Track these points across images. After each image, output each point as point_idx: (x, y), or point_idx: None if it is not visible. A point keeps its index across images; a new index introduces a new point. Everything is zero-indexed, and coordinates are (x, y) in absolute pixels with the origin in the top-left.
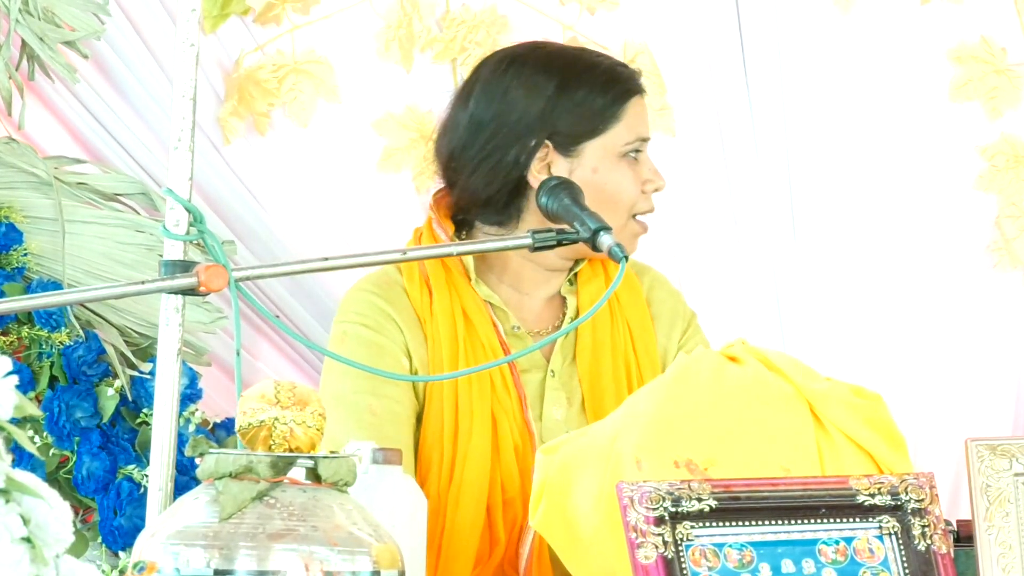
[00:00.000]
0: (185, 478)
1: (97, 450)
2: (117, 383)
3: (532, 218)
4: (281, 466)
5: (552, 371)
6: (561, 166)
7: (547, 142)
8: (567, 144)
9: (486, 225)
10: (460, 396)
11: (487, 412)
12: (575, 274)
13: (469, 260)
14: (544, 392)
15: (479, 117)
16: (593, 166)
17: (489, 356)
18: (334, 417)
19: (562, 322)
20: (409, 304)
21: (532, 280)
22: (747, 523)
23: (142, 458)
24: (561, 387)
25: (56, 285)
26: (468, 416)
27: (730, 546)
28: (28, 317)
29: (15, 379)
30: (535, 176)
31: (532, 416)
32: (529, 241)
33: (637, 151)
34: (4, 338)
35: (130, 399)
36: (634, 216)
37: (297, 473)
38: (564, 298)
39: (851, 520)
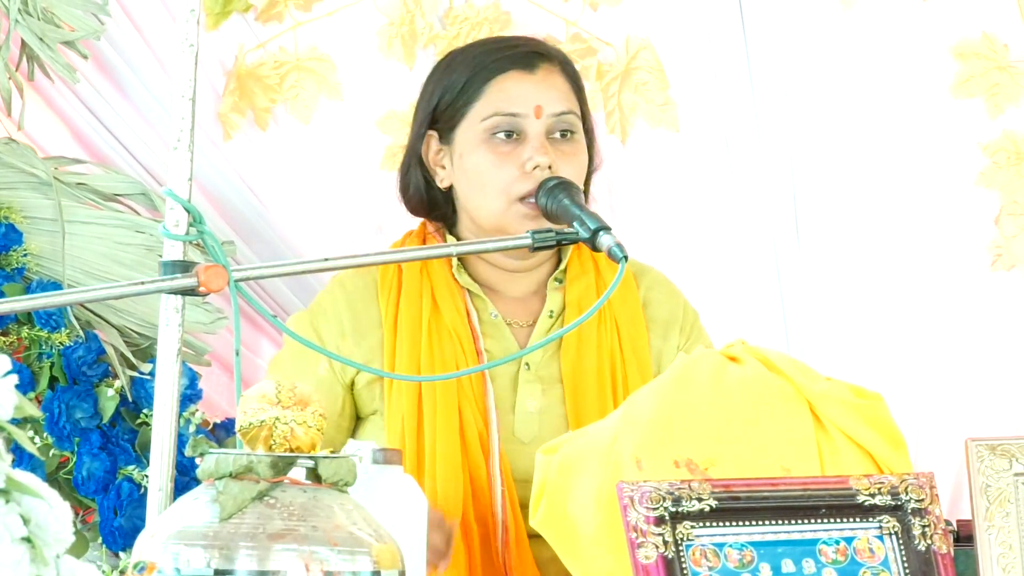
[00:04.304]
0: (185, 478)
1: (97, 451)
2: (117, 383)
3: (460, 209)
4: (281, 466)
5: (527, 364)
6: (445, 155)
7: (431, 132)
8: (445, 132)
9: (430, 220)
10: (423, 384)
11: (453, 401)
12: (564, 270)
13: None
14: (517, 384)
15: (413, 115)
16: (460, 151)
17: (454, 342)
18: None
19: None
20: (375, 285)
21: (500, 278)
22: (747, 523)
23: (142, 458)
24: (537, 379)
25: (56, 285)
26: (432, 405)
27: (730, 546)
28: (28, 317)
29: (15, 379)
30: (432, 168)
31: (504, 407)
32: (529, 241)
33: (510, 130)
34: (4, 338)
35: (130, 399)
36: (521, 199)
37: (297, 473)
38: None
39: (851, 520)
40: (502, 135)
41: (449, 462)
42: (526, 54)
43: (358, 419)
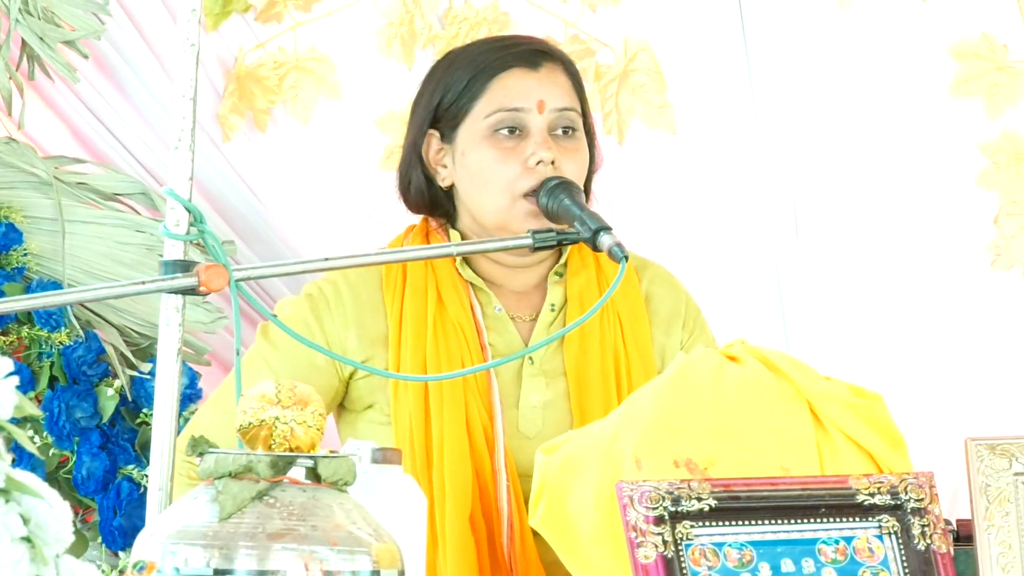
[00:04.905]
0: None
1: (97, 450)
2: (117, 383)
3: (461, 207)
4: (281, 466)
5: (530, 358)
6: (447, 154)
7: (432, 131)
8: (447, 130)
9: (432, 217)
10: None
11: (459, 396)
12: (564, 264)
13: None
14: (521, 378)
15: (411, 114)
16: (462, 149)
17: (459, 337)
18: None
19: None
20: (379, 278)
21: (502, 272)
22: (747, 522)
23: (142, 458)
24: (540, 373)
25: (56, 285)
26: (438, 401)
27: (730, 545)
28: (28, 317)
29: (15, 379)
30: (433, 167)
31: (508, 401)
32: (529, 241)
33: (513, 126)
34: (4, 338)
35: (130, 399)
36: (524, 196)
37: (297, 473)
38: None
39: (851, 519)
40: (505, 131)
41: (457, 457)
42: (529, 52)
43: (352, 416)
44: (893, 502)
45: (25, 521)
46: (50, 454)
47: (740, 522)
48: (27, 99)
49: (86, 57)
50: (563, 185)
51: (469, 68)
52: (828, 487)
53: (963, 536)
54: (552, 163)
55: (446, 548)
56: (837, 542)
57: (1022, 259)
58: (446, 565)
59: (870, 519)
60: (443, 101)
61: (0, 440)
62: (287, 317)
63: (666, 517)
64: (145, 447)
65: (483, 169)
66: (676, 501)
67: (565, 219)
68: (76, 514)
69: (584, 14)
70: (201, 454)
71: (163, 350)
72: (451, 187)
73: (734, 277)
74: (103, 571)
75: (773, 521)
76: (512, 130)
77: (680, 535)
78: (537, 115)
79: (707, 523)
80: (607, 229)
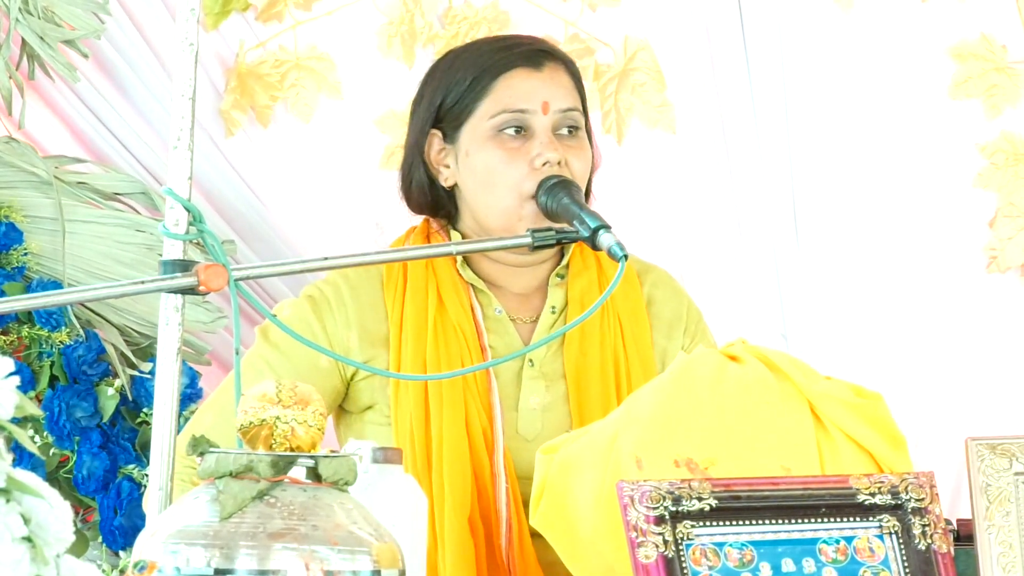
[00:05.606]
0: None
1: (97, 450)
2: (117, 382)
3: (464, 207)
4: (282, 465)
5: (530, 360)
6: (450, 154)
7: (435, 131)
8: (449, 131)
9: (434, 218)
10: (429, 381)
11: (459, 397)
12: (566, 265)
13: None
14: (521, 380)
15: (411, 114)
16: (466, 149)
17: (460, 338)
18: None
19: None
20: (380, 279)
21: (503, 273)
22: (747, 522)
23: (142, 458)
24: (540, 376)
25: (56, 285)
26: (438, 402)
27: (730, 545)
28: (28, 317)
29: (16, 379)
30: (435, 167)
31: (508, 404)
32: (529, 240)
33: (519, 127)
34: (4, 337)
35: (130, 398)
36: (532, 197)
37: (298, 472)
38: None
39: (851, 519)
40: (510, 131)
41: (456, 459)
42: (532, 52)
43: (352, 417)
44: (894, 502)
45: (26, 521)
46: (50, 454)
47: (741, 522)
48: (27, 99)
49: (86, 56)
50: (562, 184)
51: (471, 68)
52: (829, 487)
53: (963, 536)
54: (559, 163)
55: (445, 550)
56: (838, 542)
57: (1017, 261)
58: (445, 567)
59: (871, 519)
60: (445, 101)
61: (0, 440)
62: (288, 318)
63: (667, 517)
64: (145, 447)
65: (490, 170)
66: (677, 501)
67: (565, 218)
68: (76, 514)
69: (584, 13)
70: (202, 454)
71: (163, 350)
72: (453, 187)
73: (734, 277)
74: (104, 571)
75: (774, 521)
76: (517, 130)
77: (681, 535)
78: (542, 116)
79: (708, 523)
80: (607, 228)
